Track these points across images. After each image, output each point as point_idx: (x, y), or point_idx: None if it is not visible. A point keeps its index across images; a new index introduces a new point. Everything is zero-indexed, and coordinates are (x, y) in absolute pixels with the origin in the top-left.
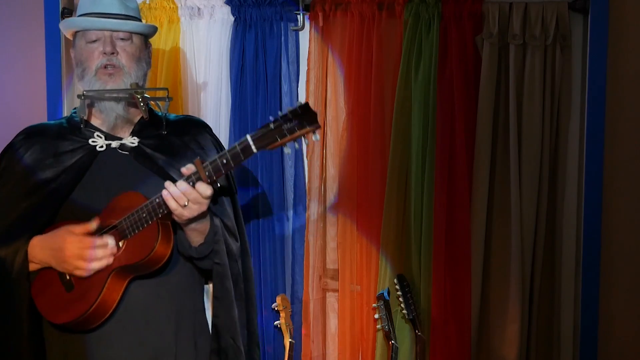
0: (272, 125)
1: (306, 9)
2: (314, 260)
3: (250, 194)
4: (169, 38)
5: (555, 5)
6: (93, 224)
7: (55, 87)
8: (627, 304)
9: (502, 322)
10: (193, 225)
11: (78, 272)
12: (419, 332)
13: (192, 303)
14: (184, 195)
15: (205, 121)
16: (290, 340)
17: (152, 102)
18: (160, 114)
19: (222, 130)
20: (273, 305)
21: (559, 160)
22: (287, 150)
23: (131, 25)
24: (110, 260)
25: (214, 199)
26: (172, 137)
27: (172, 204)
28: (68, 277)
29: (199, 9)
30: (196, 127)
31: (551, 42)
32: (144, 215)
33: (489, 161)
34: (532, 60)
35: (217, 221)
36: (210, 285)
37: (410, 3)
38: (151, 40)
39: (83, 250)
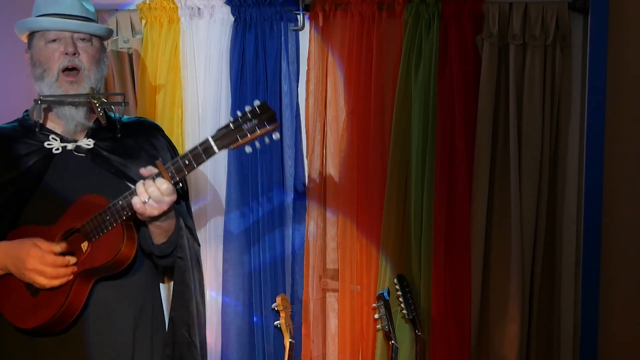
0: (232, 126)
1: (306, 9)
2: (314, 260)
3: (250, 194)
4: (169, 38)
5: (555, 5)
6: (59, 247)
7: None
8: (627, 304)
9: (502, 322)
10: (157, 222)
11: (38, 286)
12: (419, 332)
13: (151, 301)
14: (146, 191)
15: (206, 121)
16: (290, 340)
17: (108, 107)
18: (113, 116)
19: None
20: (273, 305)
21: (559, 160)
22: (248, 149)
23: (93, 27)
24: (71, 277)
25: (177, 200)
26: (126, 139)
27: (135, 202)
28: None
29: (199, 9)
30: (149, 129)
31: (551, 42)
32: (108, 217)
33: (489, 161)
34: (532, 60)
35: (181, 222)
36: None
37: (410, 3)
38: (151, 39)
39: (45, 267)
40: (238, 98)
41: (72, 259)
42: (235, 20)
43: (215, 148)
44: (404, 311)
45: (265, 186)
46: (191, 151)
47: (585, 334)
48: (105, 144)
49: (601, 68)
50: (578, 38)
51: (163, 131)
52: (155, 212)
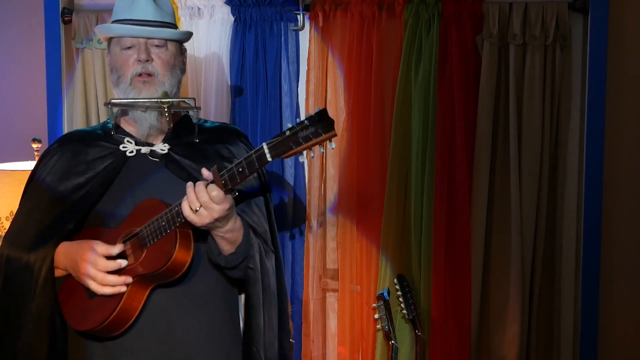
0: (287, 133)
1: (306, 9)
2: (314, 260)
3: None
4: None
5: (555, 5)
6: (115, 249)
7: (55, 87)
8: (627, 304)
9: (502, 322)
10: (219, 233)
11: (92, 289)
12: (419, 332)
13: (221, 315)
14: (197, 198)
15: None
16: (290, 340)
17: (178, 111)
18: (195, 121)
19: None
20: None
21: (559, 160)
22: (302, 158)
23: (166, 33)
24: (123, 289)
25: (244, 202)
26: (204, 144)
27: (185, 208)
28: None
29: (199, 9)
30: (230, 135)
31: (551, 42)
32: (163, 223)
33: (489, 161)
34: (532, 60)
35: (251, 234)
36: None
37: (410, 3)
38: None
39: (97, 273)
40: (238, 98)
41: (124, 262)
42: (235, 20)
43: (268, 156)
44: (404, 311)
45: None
46: (245, 158)
47: (585, 334)
48: (181, 149)
49: (601, 68)
50: (578, 38)
51: (246, 137)
52: (206, 220)
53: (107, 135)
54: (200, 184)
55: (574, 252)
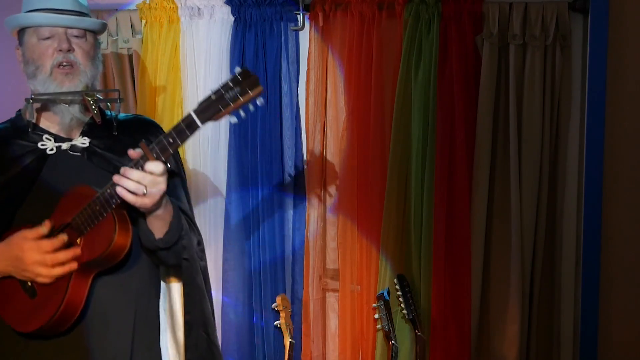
0: (213, 97)
1: (306, 9)
2: (314, 260)
3: (250, 194)
4: (169, 38)
5: (555, 5)
6: (44, 227)
7: None
8: (627, 304)
9: (502, 322)
10: (158, 212)
11: (40, 279)
12: (419, 332)
13: (148, 304)
14: (140, 183)
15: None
16: (290, 340)
17: (103, 104)
18: (109, 114)
19: (221, 130)
20: (273, 305)
21: (559, 161)
22: (232, 119)
23: (87, 22)
24: (74, 265)
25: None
26: (122, 136)
27: (130, 198)
28: (30, 284)
29: (199, 9)
30: (146, 126)
31: (551, 42)
32: (97, 208)
33: (489, 161)
34: (532, 60)
35: (178, 210)
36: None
37: (410, 3)
38: (151, 39)
39: (43, 255)
40: None
41: (65, 236)
42: (235, 20)
43: (198, 122)
44: (404, 311)
45: (266, 186)
46: (174, 128)
47: (585, 334)
48: (101, 142)
49: (601, 68)
50: (578, 38)
51: (161, 128)
52: (157, 196)
53: (21, 133)
54: (133, 170)
55: (574, 252)
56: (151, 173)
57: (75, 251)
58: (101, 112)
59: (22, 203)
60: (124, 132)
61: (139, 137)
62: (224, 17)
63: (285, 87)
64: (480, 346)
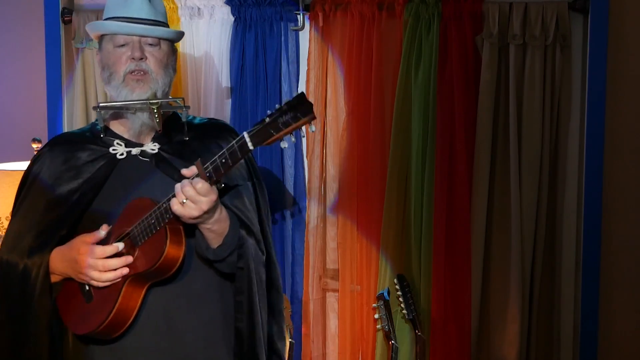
0: (267, 120)
1: (306, 9)
2: (314, 260)
3: None
4: None
5: (555, 5)
6: (101, 231)
7: (55, 87)
8: (627, 304)
9: (502, 322)
10: (207, 225)
11: (94, 283)
12: (419, 332)
13: (218, 311)
14: (182, 192)
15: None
16: (290, 340)
17: (167, 111)
18: (184, 118)
19: None
20: None
21: (559, 160)
22: (283, 144)
23: (160, 31)
24: (125, 270)
25: (237, 198)
26: (194, 141)
27: (173, 203)
28: (87, 288)
29: (199, 9)
30: (218, 130)
31: (551, 42)
32: (153, 221)
33: (489, 161)
34: (532, 60)
35: (241, 230)
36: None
37: (410, 3)
38: None
39: (95, 260)
40: (238, 98)
41: (121, 245)
42: (235, 20)
43: (250, 145)
44: (404, 311)
45: (266, 186)
46: (228, 149)
47: (585, 334)
48: (171, 147)
49: (601, 68)
50: (578, 38)
51: (234, 131)
52: (195, 213)
53: (96, 138)
54: (184, 180)
55: (574, 252)
56: (194, 188)
57: (127, 259)
58: (175, 116)
59: (90, 206)
60: (196, 137)
61: (209, 141)
62: (224, 17)
63: (285, 87)
64: (480, 346)
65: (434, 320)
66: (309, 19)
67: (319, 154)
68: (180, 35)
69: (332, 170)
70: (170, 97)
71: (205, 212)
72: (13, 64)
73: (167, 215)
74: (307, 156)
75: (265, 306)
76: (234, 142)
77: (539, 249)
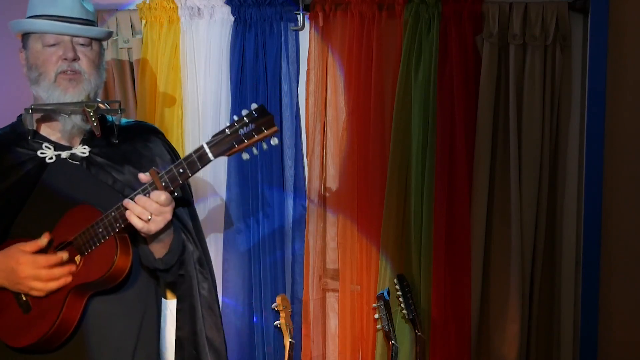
0: (227, 131)
1: (306, 9)
2: (314, 260)
3: (250, 194)
4: (169, 38)
5: (555, 5)
6: (43, 240)
7: None
8: (627, 304)
9: (502, 322)
10: (160, 236)
11: (34, 293)
12: (419, 332)
13: (150, 319)
14: (145, 209)
15: (206, 121)
16: (290, 340)
17: (104, 114)
18: (111, 120)
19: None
20: (273, 305)
21: (559, 160)
22: (245, 155)
23: (94, 31)
24: (69, 279)
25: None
26: (123, 144)
27: (136, 222)
28: (24, 298)
29: (199, 9)
30: (147, 133)
31: (551, 42)
32: (100, 230)
33: (489, 161)
34: (532, 60)
35: (179, 232)
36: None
37: (410, 3)
38: (151, 39)
39: (38, 269)
40: (238, 98)
41: (65, 254)
42: (235, 20)
43: (210, 155)
44: (404, 311)
45: (265, 186)
46: (185, 159)
47: (585, 334)
48: (101, 150)
49: (601, 68)
50: (578, 38)
51: (162, 134)
52: (162, 225)
53: (21, 140)
54: (140, 196)
55: (574, 252)
56: (157, 202)
57: (71, 268)
58: (103, 118)
59: (19, 211)
60: (125, 140)
61: (139, 144)
62: (224, 17)
63: (285, 87)
64: (480, 346)
65: (434, 320)
66: (309, 19)
67: (319, 154)
68: (109, 35)
69: (332, 170)
70: (103, 100)
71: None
72: (13, 64)
73: (117, 225)
74: (307, 156)
75: (215, 307)
76: (192, 152)
77: (539, 249)
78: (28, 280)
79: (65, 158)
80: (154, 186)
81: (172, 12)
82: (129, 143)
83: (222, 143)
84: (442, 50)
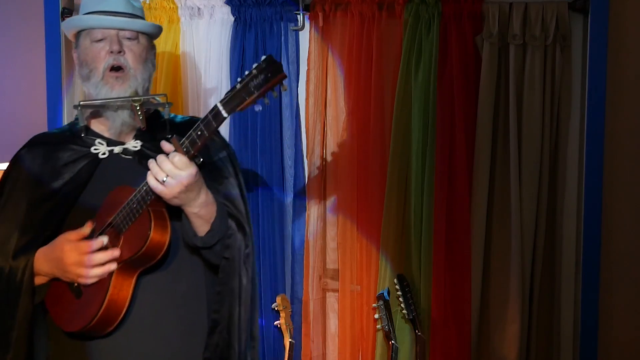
0: (238, 86)
1: (306, 9)
2: (314, 260)
3: (250, 194)
4: (169, 38)
5: (555, 5)
6: (86, 228)
7: (55, 87)
8: (627, 304)
9: (502, 322)
10: (193, 208)
11: (81, 280)
12: (419, 332)
13: (202, 312)
14: (161, 169)
15: None
16: (290, 340)
17: (150, 108)
18: (164, 115)
19: (221, 130)
20: (273, 305)
21: (559, 160)
22: (257, 107)
23: (139, 24)
24: (114, 265)
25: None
26: None
27: (152, 183)
28: (76, 284)
29: (199, 9)
30: None
31: (551, 42)
32: (135, 205)
33: (489, 161)
34: (532, 60)
35: (226, 216)
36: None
37: (410, 3)
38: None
39: (81, 256)
40: None
41: (105, 238)
42: (235, 20)
43: (224, 112)
44: (404, 311)
45: (266, 186)
46: (202, 120)
47: (585, 334)
48: (153, 144)
49: (601, 68)
50: (578, 38)
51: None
52: (176, 189)
53: (76, 138)
54: (160, 155)
55: (574, 252)
56: (171, 162)
57: (114, 252)
58: (156, 114)
59: (73, 206)
60: (177, 134)
61: None
62: (224, 17)
63: None
64: (480, 346)
65: (434, 320)
66: (309, 19)
67: (319, 154)
68: (158, 29)
69: (332, 170)
70: (151, 94)
71: (187, 189)
72: (13, 63)
73: (148, 197)
74: (307, 156)
75: (248, 300)
76: (208, 113)
77: (539, 249)
78: (73, 267)
79: (118, 153)
80: (174, 152)
81: (172, 12)
82: (182, 137)
83: (233, 98)
84: (442, 50)
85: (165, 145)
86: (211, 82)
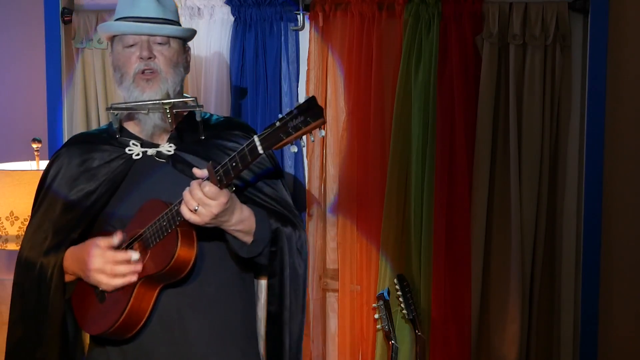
0: (277, 123)
1: (306, 9)
2: (314, 260)
3: None
4: None
5: (555, 5)
6: (116, 238)
7: (55, 87)
8: (627, 304)
9: (502, 322)
10: (229, 227)
11: (102, 286)
12: (419, 332)
13: (235, 314)
14: (192, 198)
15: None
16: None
17: (181, 111)
18: (201, 116)
19: None
20: None
21: (559, 160)
22: (293, 148)
23: (168, 29)
24: (134, 277)
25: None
26: (211, 140)
27: (184, 211)
28: (100, 288)
29: (199, 9)
30: (235, 129)
31: (551, 42)
32: (164, 223)
33: (489, 161)
34: (532, 60)
35: (267, 221)
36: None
37: (410, 3)
38: None
39: (105, 264)
40: (238, 98)
41: (135, 254)
42: (235, 20)
43: (260, 149)
44: (404, 311)
45: None
46: (238, 152)
47: (585, 333)
48: (188, 147)
49: (601, 68)
50: (578, 38)
51: (252, 129)
52: (206, 218)
53: (112, 138)
54: (193, 183)
55: (574, 252)
56: (202, 191)
57: (137, 266)
58: (191, 115)
59: (105, 206)
60: (212, 136)
61: (226, 140)
62: (224, 17)
63: (285, 87)
64: (480, 346)
65: (434, 320)
66: (309, 19)
67: (319, 154)
68: (190, 32)
69: (332, 170)
70: (182, 96)
71: (218, 216)
72: (13, 64)
73: (179, 218)
74: (307, 156)
75: (300, 295)
76: (244, 145)
77: (539, 249)
78: (94, 273)
79: (152, 155)
80: (208, 181)
81: None
82: (217, 139)
83: (271, 136)
84: (442, 50)
85: (198, 172)
86: (211, 82)
